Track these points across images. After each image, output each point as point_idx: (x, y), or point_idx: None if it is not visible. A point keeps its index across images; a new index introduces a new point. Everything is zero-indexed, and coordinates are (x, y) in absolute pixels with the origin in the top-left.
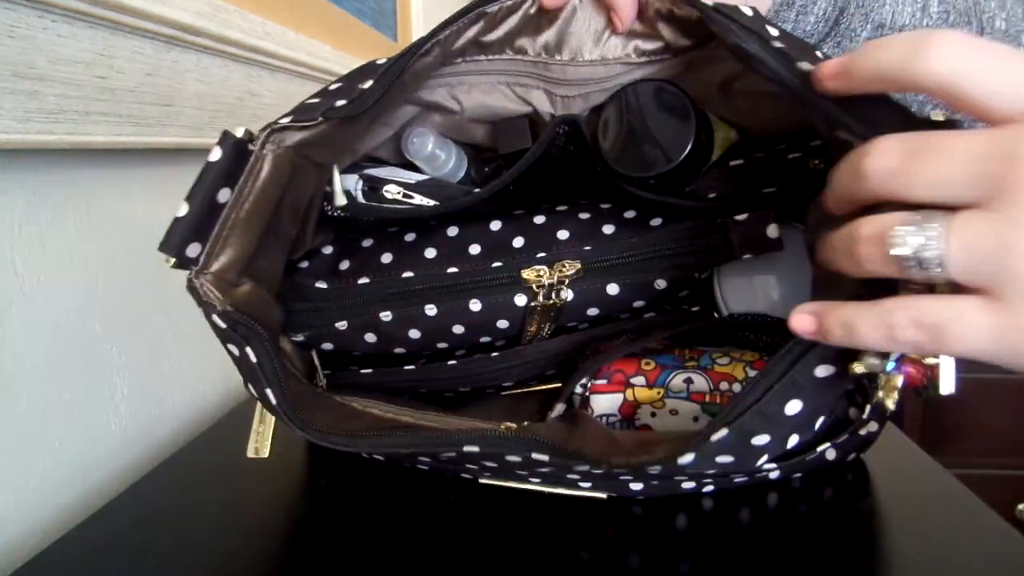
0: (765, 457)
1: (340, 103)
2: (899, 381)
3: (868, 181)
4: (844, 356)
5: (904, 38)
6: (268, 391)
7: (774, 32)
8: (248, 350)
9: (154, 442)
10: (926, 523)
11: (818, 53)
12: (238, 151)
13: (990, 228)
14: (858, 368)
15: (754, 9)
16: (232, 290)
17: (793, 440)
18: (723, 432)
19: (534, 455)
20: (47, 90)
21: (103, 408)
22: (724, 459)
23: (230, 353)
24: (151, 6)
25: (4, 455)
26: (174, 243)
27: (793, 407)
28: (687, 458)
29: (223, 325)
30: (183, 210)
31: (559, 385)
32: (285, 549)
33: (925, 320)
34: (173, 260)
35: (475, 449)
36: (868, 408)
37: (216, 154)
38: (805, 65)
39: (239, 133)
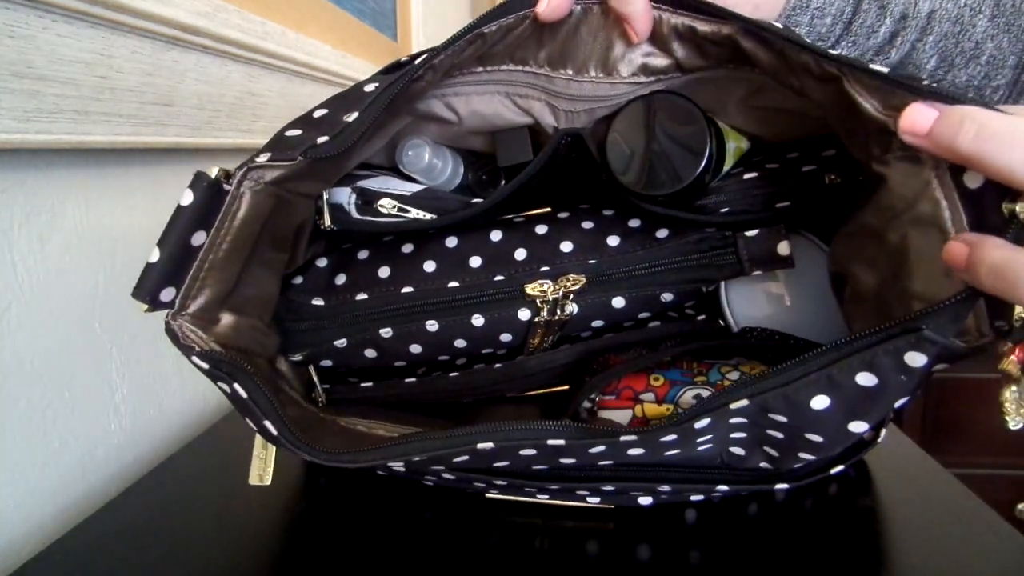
0: (779, 435)
1: (322, 140)
2: None
3: None
4: (894, 371)
5: None
6: (266, 423)
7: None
8: (236, 386)
9: (154, 442)
10: (926, 523)
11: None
12: (212, 192)
13: None
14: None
15: (793, 17)
16: (214, 327)
17: (816, 437)
18: (743, 403)
19: (550, 441)
20: (47, 90)
21: (103, 408)
22: (737, 420)
23: (221, 389)
24: (151, 6)
25: (4, 455)
26: (147, 289)
27: (820, 402)
28: (703, 422)
29: (205, 366)
30: (155, 256)
31: (565, 388)
32: (285, 549)
33: None
34: (147, 306)
35: (489, 446)
36: (883, 432)
37: (188, 198)
38: (878, 67)
39: (213, 173)
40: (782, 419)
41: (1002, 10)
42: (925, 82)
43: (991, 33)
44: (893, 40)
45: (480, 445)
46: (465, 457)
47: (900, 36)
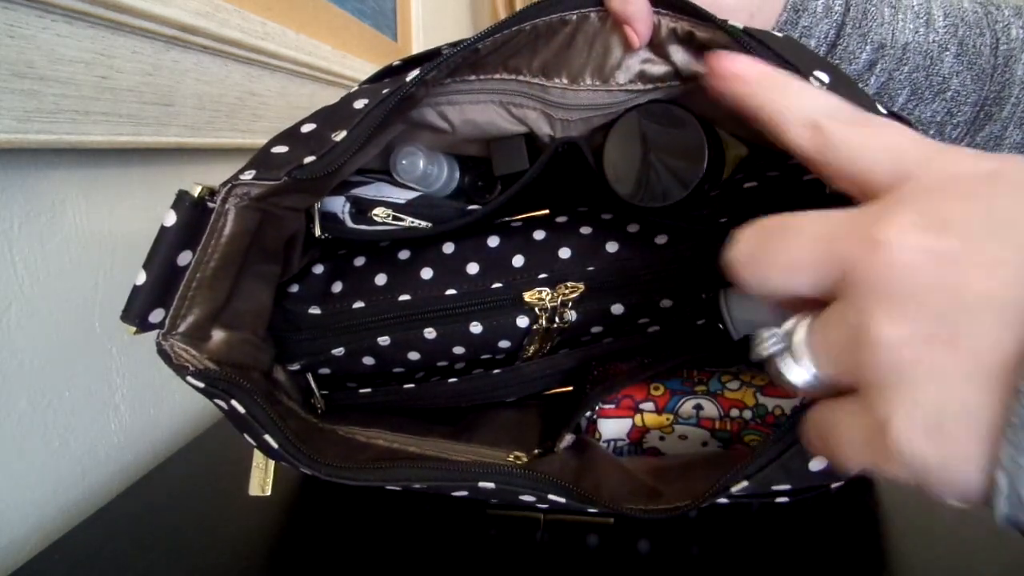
0: (786, 488)
1: (308, 160)
2: None
3: (735, 273)
4: None
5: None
6: (266, 436)
7: (815, 61)
8: (234, 403)
9: (154, 442)
10: (926, 523)
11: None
12: (196, 211)
13: (840, 317)
14: None
15: (785, 33)
16: (206, 344)
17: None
18: (743, 484)
19: (550, 496)
20: (47, 90)
21: (103, 408)
22: (740, 491)
23: (218, 407)
24: (151, 6)
25: (4, 455)
26: (135, 312)
27: (817, 464)
28: (704, 504)
29: (200, 385)
30: (141, 278)
31: (568, 389)
32: (285, 548)
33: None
34: (135, 329)
35: (491, 486)
36: None
37: (171, 218)
38: None
39: (196, 191)
40: (786, 487)
41: (965, 49)
42: None
43: (956, 70)
44: (872, 68)
45: (481, 484)
46: (464, 493)
47: (879, 64)
